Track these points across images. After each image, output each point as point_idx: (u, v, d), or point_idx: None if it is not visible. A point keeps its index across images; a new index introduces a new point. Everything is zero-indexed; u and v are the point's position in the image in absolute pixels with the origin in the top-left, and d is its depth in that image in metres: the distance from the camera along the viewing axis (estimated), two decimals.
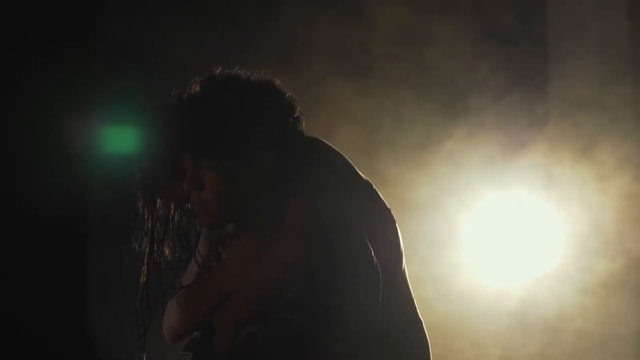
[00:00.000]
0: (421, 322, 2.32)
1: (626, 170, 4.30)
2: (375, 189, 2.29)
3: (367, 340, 2.19)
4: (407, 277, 2.32)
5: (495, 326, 4.29)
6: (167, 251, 2.32)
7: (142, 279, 2.29)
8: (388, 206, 2.30)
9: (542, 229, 4.38)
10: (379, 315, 2.20)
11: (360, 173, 2.28)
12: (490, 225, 4.35)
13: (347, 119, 4.09)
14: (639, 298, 4.38)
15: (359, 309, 2.17)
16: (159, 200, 2.31)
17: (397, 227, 2.30)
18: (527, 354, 4.36)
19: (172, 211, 2.33)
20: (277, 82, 2.27)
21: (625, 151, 4.27)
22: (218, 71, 2.26)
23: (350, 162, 2.27)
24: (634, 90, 4.28)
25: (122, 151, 2.56)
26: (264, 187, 2.25)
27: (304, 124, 2.29)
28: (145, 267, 2.29)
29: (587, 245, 4.35)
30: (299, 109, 2.28)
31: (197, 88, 2.24)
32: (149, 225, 2.30)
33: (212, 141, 2.21)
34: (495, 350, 4.28)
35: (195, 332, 2.34)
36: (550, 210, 4.37)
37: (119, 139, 2.59)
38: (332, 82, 4.06)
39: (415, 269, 2.95)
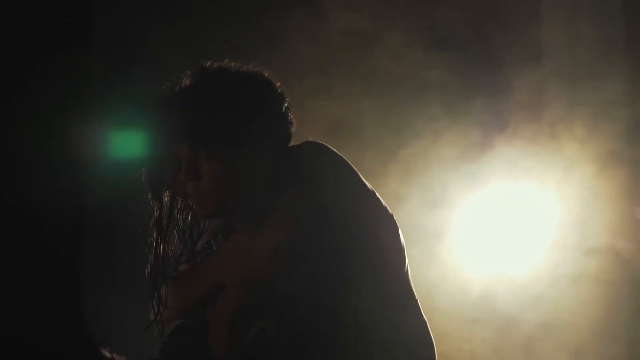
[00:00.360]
0: (425, 323, 2.33)
1: (590, 163, 4.40)
2: (379, 197, 2.30)
3: (369, 339, 2.21)
4: (410, 279, 2.33)
5: (456, 316, 4.34)
6: (171, 243, 2.35)
7: (148, 268, 2.32)
8: (390, 212, 2.31)
9: (506, 223, 4.46)
10: (382, 315, 2.23)
11: (363, 179, 2.30)
12: (456, 221, 4.42)
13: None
14: (596, 288, 4.47)
15: (359, 306, 2.20)
16: (166, 193, 2.34)
17: (400, 233, 2.32)
18: (483, 342, 4.41)
19: (178, 205, 2.36)
20: (267, 72, 2.31)
21: (587, 146, 4.37)
22: (208, 64, 2.29)
23: (355, 168, 2.30)
24: (592, 88, 4.39)
25: (122, 150, 2.57)
26: (260, 176, 2.27)
27: (294, 114, 2.33)
28: (152, 258, 2.32)
29: (549, 236, 4.44)
30: (288, 99, 2.33)
31: (189, 80, 2.27)
32: (156, 217, 2.32)
33: (208, 130, 2.23)
34: (453, 340, 4.34)
35: (179, 320, 2.36)
36: (515, 204, 4.45)
37: (119, 138, 2.61)
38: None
39: None
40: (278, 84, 2.32)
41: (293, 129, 2.33)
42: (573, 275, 4.44)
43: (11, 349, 1.95)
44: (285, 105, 2.31)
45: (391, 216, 2.30)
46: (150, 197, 2.32)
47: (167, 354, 2.32)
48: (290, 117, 2.32)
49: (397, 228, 2.31)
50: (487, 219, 4.42)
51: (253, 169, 2.26)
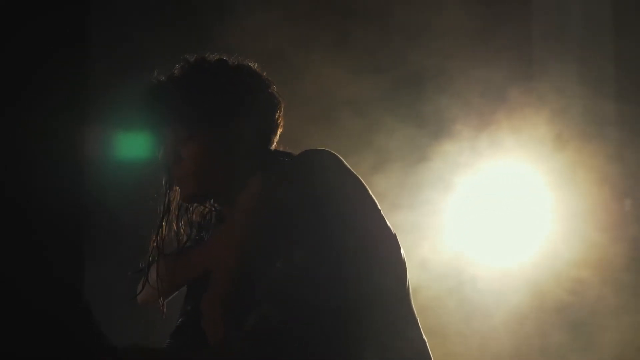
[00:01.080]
0: (425, 343, 2.29)
1: (526, 151, 4.56)
2: (383, 216, 2.27)
3: (368, 342, 2.19)
4: (412, 299, 2.30)
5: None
6: (179, 229, 2.38)
7: (152, 248, 2.36)
8: (394, 232, 2.29)
9: (453, 216, 4.60)
10: (381, 322, 2.20)
11: (371, 193, 2.27)
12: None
13: None
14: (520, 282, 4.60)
15: (357, 308, 2.17)
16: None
17: (403, 253, 2.28)
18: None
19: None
20: (253, 64, 2.36)
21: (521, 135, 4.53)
22: (193, 56, 2.34)
23: (364, 182, 2.27)
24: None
25: (124, 150, 2.58)
26: (241, 159, 2.29)
27: (283, 105, 2.35)
28: (154, 237, 2.36)
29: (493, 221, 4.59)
30: (275, 87, 2.35)
31: (175, 71, 2.32)
32: (165, 201, 2.36)
33: (187, 110, 2.27)
34: None
35: (180, 319, 2.38)
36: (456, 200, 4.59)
37: (120, 139, 2.62)
38: None
39: None
40: (263, 73, 2.36)
41: (278, 115, 2.34)
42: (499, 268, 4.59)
43: (14, 350, 1.94)
44: (269, 90, 2.33)
45: (394, 236, 2.28)
46: (164, 182, 2.36)
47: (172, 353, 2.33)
48: (276, 102, 2.34)
49: (399, 247, 2.28)
50: (426, 216, 4.53)
51: (232, 150, 2.28)
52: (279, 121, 2.35)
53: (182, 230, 2.39)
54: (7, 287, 1.97)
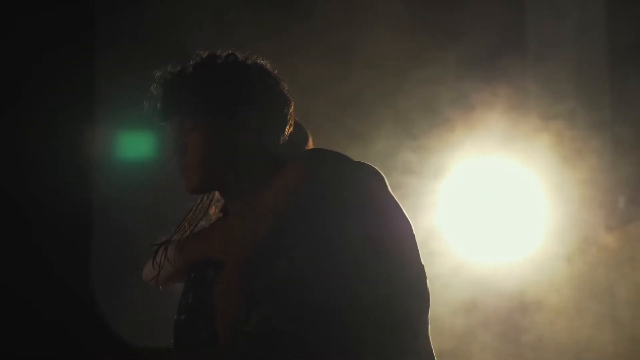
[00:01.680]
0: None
1: (479, 150, 4.71)
2: (412, 239, 2.24)
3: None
4: (429, 329, 2.26)
5: None
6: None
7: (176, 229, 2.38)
8: (422, 263, 2.25)
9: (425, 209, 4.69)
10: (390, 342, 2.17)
11: (402, 209, 2.25)
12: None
13: None
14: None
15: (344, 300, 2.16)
16: None
17: (428, 285, 2.24)
18: None
19: None
20: (265, 62, 2.35)
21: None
22: (205, 53, 2.35)
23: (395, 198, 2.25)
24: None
25: (128, 150, 2.59)
26: (244, 153, 2.28)
27: (292, 104, 2.34)
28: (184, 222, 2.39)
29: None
30: (285, 85, 2.34)
31: (187, 65, 2.33)
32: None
33: (195, 101, 2.27)
34: None
35: (179, 313, 2.33)
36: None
37: (125, 138, 2.63)
38: None
39: None
40: (272, 69, 2.35)
41: (286, 112, 2.32)
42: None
43: (15, 349, 1.94)
44: (279, 88, 2.32)
45: (419, 262, 2.24)
46: None
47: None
48: (285, 99, 2.32)
49: (425, 278, 2.23)
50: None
51: (237, 143, 2.28)
52: (287, 118, 2.34)
53: (211, 216, 2.40)
54: (9, 287, 1.95)
